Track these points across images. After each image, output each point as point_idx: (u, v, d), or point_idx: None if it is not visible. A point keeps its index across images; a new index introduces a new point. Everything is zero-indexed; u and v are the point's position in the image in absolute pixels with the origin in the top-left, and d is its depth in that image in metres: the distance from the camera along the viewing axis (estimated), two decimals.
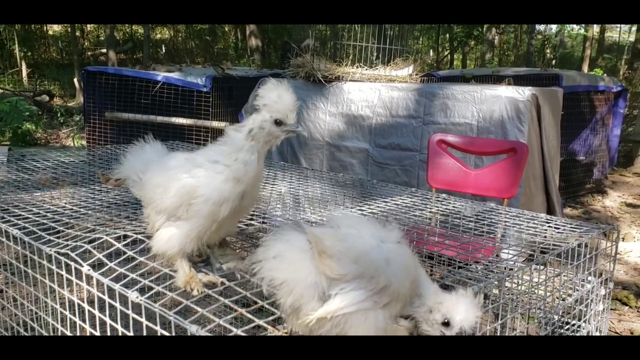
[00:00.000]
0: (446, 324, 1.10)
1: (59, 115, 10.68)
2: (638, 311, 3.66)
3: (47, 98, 12.34)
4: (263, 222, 1.94)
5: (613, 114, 6.71)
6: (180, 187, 1.22)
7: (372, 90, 4.52)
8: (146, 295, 1.09)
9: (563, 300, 1.51)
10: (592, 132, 6.55)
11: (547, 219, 1.58)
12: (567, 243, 1.39)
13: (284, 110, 1.23)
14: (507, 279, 1.39)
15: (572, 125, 6.04)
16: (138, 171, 1.38)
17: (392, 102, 4.41)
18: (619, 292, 3.88)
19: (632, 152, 7.95)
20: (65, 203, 1.91)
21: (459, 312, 1.10)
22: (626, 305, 3.73)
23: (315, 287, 1.02)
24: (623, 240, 5.07)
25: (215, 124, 5.37)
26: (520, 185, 3.56)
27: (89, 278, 1.22)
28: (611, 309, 3.68)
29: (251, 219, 1.81)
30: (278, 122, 1.24)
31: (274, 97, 1.22)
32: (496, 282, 1.32)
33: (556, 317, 1.54)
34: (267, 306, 1.08)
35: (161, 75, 5.59)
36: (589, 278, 1.46)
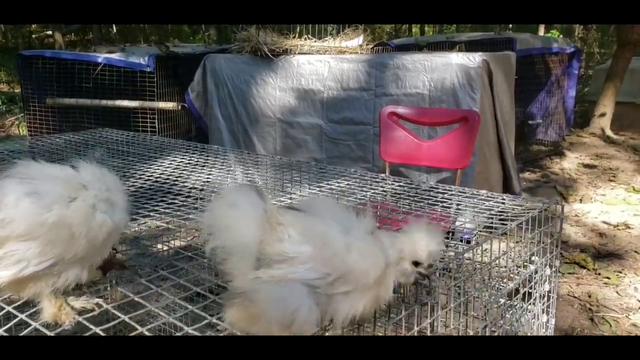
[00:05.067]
0: (416, 263, 1.09)
1: (1, 103, 10.19)
2: (596, 273, 3.67)
3: None
4: None
5: (568, 75, 6.71)
6: None
7: (321, 63, 4.35)
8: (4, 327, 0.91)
9: (510, 280, 1.42)
10: (547, 95, 6.54)
11: (488, 196, 1.48)
12: (506, 223, 1.28)
13: None
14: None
15: (527, 89, 6.01)
16: None
17: (342, 75, 4.26)
18: (577, 255, 3.88)
19: (589, 112, 8.01)
20: None
21: (422, 248, 1.09)
22: (584, 268, 3.73)
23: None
24: (581, 202, 5.10)
25: (162, 104, 5.13)
26: (474, 154, 3.49)
27: None
28: (569, 273, 3.68)
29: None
30: None
31: None
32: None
33: (502, 300, 1.45)
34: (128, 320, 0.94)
35: (102, 56, 5.30)
36: (533, 258, 1.36)
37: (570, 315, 3.19)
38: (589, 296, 3.36)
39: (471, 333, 1.22)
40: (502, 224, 1.39)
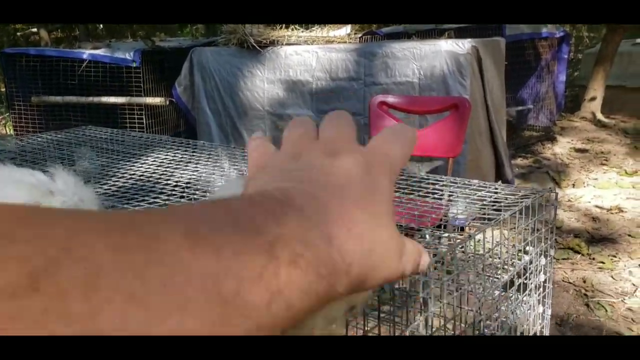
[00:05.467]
0: None
1: None
2: (590, 258, 3.66)
3: None
4: None
5: (557, 60, 6.68)
6: None
7: (309, 53, 4.30)
8: None
9: (504, 270, 1.39)
10: (538, 80, 6.51)
11: (480, 186, 1.44)
12: (500, 213, 1.25)
13: None
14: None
15: (518, 75, 5.98)
16: None
17: (331, 65, 4.20)
18: (571, 241, 3.87)
19: (579, 96, 7.99)
20: None
21: None
22: (578, 253, 3.72)
23: None
24: (573, 187, 5.09)
25: (150, 100, 5.06)
26: (465, 142, 3.45)
27: None
28: (563, 259, 3.67)
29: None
30: None
31: None
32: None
33: (497, 292, 1.41)
34: None
35: (87, 53, 5.21)
36: (527, 248, 1.33)
37: (565, 301, 3.18)
38: (584, 281, 3.35)
39: (464, 327, 1.19)
40: (496, 213, 1.35)
